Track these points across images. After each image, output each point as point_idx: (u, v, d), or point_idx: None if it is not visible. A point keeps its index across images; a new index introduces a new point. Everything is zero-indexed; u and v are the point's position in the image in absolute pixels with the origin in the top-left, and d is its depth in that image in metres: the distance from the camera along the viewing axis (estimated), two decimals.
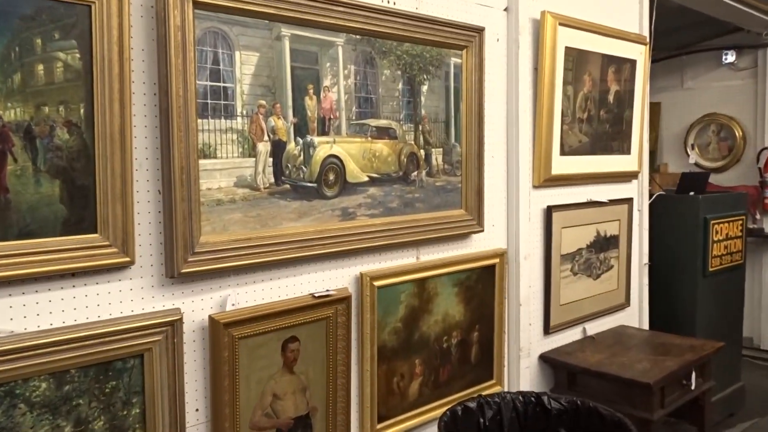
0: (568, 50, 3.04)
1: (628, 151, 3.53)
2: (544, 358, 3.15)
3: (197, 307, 1.94)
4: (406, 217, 2.47)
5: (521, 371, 3.00)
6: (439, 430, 2.26)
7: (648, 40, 3.59)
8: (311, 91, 2.13)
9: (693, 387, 3.09)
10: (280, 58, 2.03)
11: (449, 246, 2.69)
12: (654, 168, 6.16)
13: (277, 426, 2.12)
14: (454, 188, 2.65)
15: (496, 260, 2.86)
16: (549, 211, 3.11)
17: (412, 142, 2.48)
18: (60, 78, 1.62)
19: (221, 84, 1.91)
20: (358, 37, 2.24)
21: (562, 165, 3.12)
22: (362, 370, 2.38)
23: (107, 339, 1.72)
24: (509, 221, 2.97)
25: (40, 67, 1.59)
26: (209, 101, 1.88)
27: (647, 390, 2.80)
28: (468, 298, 2.75)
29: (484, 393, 2.68)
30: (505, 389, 2.96)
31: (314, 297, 2.17)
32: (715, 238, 3.96)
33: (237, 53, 1.94)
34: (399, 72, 2.40)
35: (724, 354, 3.47)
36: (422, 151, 2.52)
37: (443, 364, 2.68)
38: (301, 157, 2.13)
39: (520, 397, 2.49)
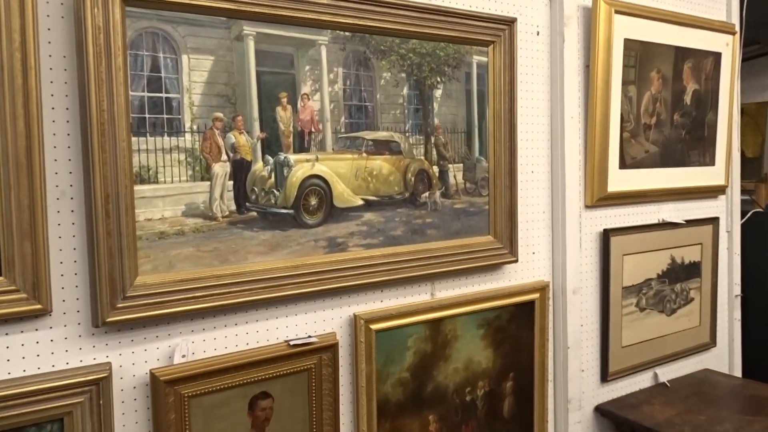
0: (628, 43, 2.52)
1: (711, 162, 2.94)
2: (601, 411, 2.63)
3: (138, 359, 1.63)
4: (415, 247, 2.06)
5: (570, 427, 2.51)
6: None
7: (737, 28, 2.98)
8: (284, 100, 1.78)
9: None
10: (242, 62, 1.70)
11: (474, 279, 2.26)
12: (761, 177, 5.37)
13: None
14: (479, 211, 2.22)
15: (536, 295, 2.39)
16: (606, 236, 2.59)
17: (422, 158, 2.08)
18: None
19: (163, 95, 1.60)
20: (347, 34, 1.87)
21: (623, 180, 2.59)
22: (358, 431, 1.99)
23: (14, 402, 1.44)
24: (554, 248, 2.49)
25: None
26: (147, 116, 1.58)
27: None
28: (498, 341, 2.30)
29: None
30: None
31: (290, 345, 1.81)
32: None
33: (184, 57, 1.62)
34: (403, 75, 2.00)
35: None
36: (435, 168, 2.11)
37: (466, 420, 2.25)
38: (272, 179, 1.78)
39: None
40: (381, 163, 1.99)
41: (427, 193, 2.09)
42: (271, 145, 1.77)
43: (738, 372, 3.20)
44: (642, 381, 2.81)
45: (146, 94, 1.57)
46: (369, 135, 1.95)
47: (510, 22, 2.21)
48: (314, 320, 1.91)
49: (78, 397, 1.51)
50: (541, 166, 2.43)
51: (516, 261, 2.31)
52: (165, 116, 1.60)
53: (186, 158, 1.64)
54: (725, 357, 3.17)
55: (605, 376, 2.65)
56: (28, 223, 1.44)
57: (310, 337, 1.84)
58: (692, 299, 2.96)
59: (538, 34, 2.39)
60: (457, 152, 2.16)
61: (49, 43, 1.48)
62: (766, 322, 3.29)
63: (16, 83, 1.40)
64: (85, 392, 1.51)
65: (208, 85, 1.66)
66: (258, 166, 1.75)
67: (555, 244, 2.49)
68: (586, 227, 2.55)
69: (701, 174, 2.91)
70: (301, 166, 1.82)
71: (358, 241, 1.95)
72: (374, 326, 1.98)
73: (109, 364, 1.57)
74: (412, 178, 2.06)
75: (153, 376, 1.61)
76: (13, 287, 1.44)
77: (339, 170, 1.90)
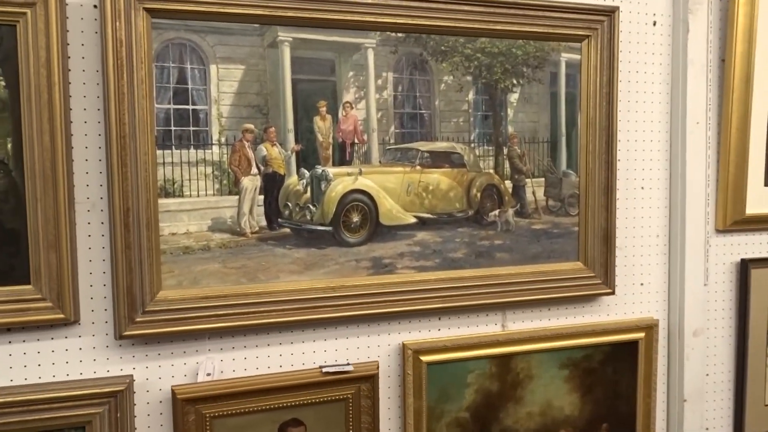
0: None
1: None
2: None
3: (164, 374, 1.62)
4: (481, 271, 1.83)
5: None
6: None
7: None
8: (323, 109, 1.66)
9: None
10: (276, 70, 1.61)
11: (557, 311, 1.96)
12: None
13: None
14: (564, 232, 1.91)
15: (640, 335, 2.01)
16: (744, 268, 2.11)
17: (491, 171, 1.83)
18: None
19: (189, 107, 1.56)
20: (400, 35, 1.70)
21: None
22: None
23: (37, 407, 1.49)
24: (670, 280, 2.08)
25: None
26: (173, 128, 1.55)
27: None
28: (587, 386, 1.97)
29: None
30: None
31: (323, 372, 1.69)
32: None
33: (213, 67, 1.57)
34: (468, 78, 1.78)
35: None
36: (508, 183, 1.85)
37: None
38: (308, 194, 1.67)
39: None
40: (439, 177, 1.79)
41: (496, 212, 1.84)
42: (307, 157, 1.66)
43: None
44: None
45: (172, 106, 1.55)
46: (424, 146, 1.76)
47: (609, 12, 1.87)
48: (356, 346, 1.76)
49: (97, 407, 1.52)
50: (654, 181, 2.04)
51: (612, 292, 1.96)
52: (191, 128, 1.56)
53: (213, 171, 1.59)
54: None
55: None
56: (53, 234, 1.47)
57: (346, 365, 1.70)
58: None
59: (654, 24, 2.00)
60: (536, 165, 1.88)
61: (83, 58, 1.51)
62: None
63: (42, 99, 1.44)
64: (103, 403, 1.53)
65: (238, 95, 1.59)
66: (292, 180, 1.65)
67: (672, 274, 2.07)
68: (717, 256, 2.10)
69: None
70: (341, 180, 1.69)
71: (409, 262, 1.76)
72: (425, 358, 1.78)
73: (129, 377, 1.56)
74: (478, 194, 1.82)
75: (174, 393, 1.58)
76: (38, 296, 1.48)
77: (387, 185, 1.73)
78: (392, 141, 1.73)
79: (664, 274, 2.08)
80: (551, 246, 1.90)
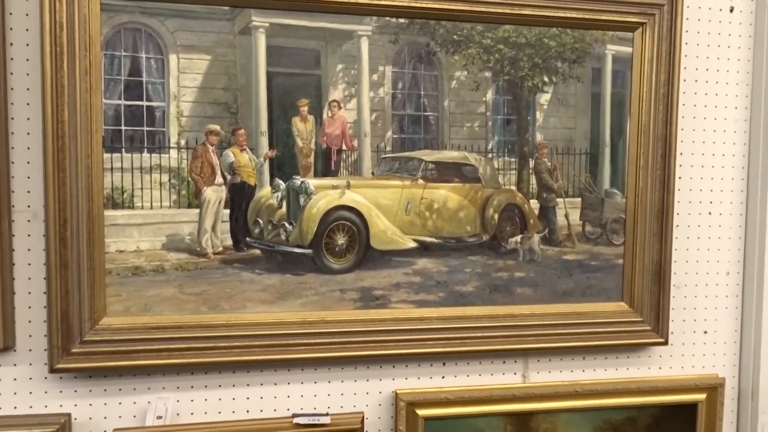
0: None
1: None
2: None
3: (110, 414, 1.39)
4: (497, 310, 1.51)
5: None
6: None
7: None
8: (304, 108, 1.39)
9: None
10: (248, 62, 1.35)
11: (593, 362, 1.60)
12: None
13: None
14: (606, 265, 1.56)
15: (701, 396, 1.62)
16: None
17: (512, 188, 1.51)
18: None
19: (144, 103, 1.33)
20: (401, 21, 1.41)
21: None
22: None
23: None
24: (743, 329, 1.68)
25: None
26: (123, 128, 1.32)
27: None
28: None
29: None
30: None
31: (295, 424, 1.41)
32: None
33: (173, 58, 1.33)
34: (487, 73, 1.47)
35: None
36: (534, 203, 1.52)
37: None
38: (283, 209, 1.40)
39: None
40: (446, 194, 1.48)
41: (518, 237, 1.51)
42: (283, 166, 1.39)
43: None
44: None
45: (123, 102, 1.32)
46: (429, 155, 1.46)
47: None
48: (339, 392, 1.48)
49: None
50: (725, 204, 1.65)
51: (664, 342, 1.58)
52: (146, 129, 1.33)
53: (170, 180, 1.35)
54: None
55: None
56: None
57: (324, 415, 1.42)
58: None
59: (731, 10, 1.62)
60: (571, 182, 1.54)
61: (27, 45, 1.30)
62: None
63: None
64: None
65: (201, 90, 1.35)
66: (264, 192, 1.39)
67: (745, 322, 1.67)
68: None
69: None
70: (325, 194, 1.41)
71: (406, 295, 1.46)
72: (422, 411, 1.47)
73: (67, 415, 1.34)
74: (495, 215, 1.50)
75: None
76: None
77: (381, 201, 1.44)
78: (389, 148, 1.44)
79: (735, 321, 1.68)
80: (588, 282, 1.55)
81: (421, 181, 1.46)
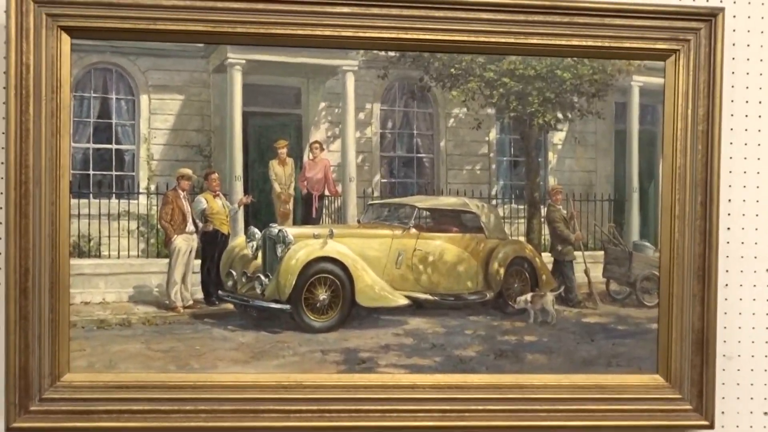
0: None
1: None
2: None
3: None
4: (504, 379, 1.32)
5: None
6: None
7: None
8: (283, 151, 1.28)
9: None
10: (223, 102, 1.27)
11: None
12: None
13: None
14: (636, 331, 1.35)
15: None
16: None
17: (521, 239, 1.33)
18: None
19: (113, 146, 1.26)
20: (391, 54, 1.28)
21: None
22: None
23: None
24: None
25: None
26: (92, 172, 1.26)
27: None
28: None
29: None
30: None
31: None
32: None
33: (143, 98, 1.27)
34: (490, 110, 1.31)
35: None
36: (546, 256, 1.33)
37: None
38: (259, 260, 1.29)
39: None
40: (443, 245, 1.32)
41: (528, 296, 1.33)
42: (259, 213, 1.29)
43: None
44: None
45: (92, 145, 1.26)
46: (423, 202, 1.32)
47: (709, 16, 1.31)
48: None
49: None
50: None
51: (710, 426, 1.33)
52: (114, 173, 1.26)
53: (138, 227, 1.27)
54: None
55: None
56: None
57: None
58: None
59: None
60: (592, 232, 1.33)
61: (3, 89, 1.27)
62: None
63: None
64: None
65: (173, 132, 1.27)
66: (238, 242, 1.29)
67: None
68: None
69: None
70: (305, 244, 1.29)
71: (397, 359, 1.31)
72: None
73: None
74: (501, 270, 1.33)
75: None
76: None
77: (368, 252, 1.31)
78: (377, 194, 1.31)
79: None
80: (614, 349, 1.34)
81: (413, 231, 1.32)
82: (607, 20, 1.31)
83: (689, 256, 1.34)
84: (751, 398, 1.40)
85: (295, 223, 1.29)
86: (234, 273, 1.29)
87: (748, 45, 1.39)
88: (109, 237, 1.27)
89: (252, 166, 1.28)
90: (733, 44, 1.36)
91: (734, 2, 1.37)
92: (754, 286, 1.40)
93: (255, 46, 1.26)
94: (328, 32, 1.26)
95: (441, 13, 1.27)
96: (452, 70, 1.30)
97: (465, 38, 1.29)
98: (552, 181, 1.33)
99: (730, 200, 1.37)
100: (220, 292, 1.29)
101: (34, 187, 1.22)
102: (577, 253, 1.34)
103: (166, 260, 1.27)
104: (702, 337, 1.34)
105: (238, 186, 1.28)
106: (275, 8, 1.23)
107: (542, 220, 1.33)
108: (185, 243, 1.28)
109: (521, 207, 1.33)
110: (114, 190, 1.27)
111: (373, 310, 1.31)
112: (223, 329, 1.28)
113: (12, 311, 1.23)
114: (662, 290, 1.35)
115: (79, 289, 1.26)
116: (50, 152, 1.23)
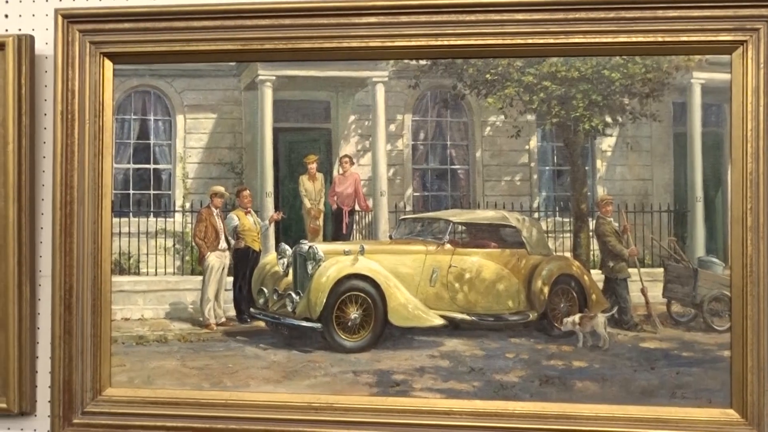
0: None
1: None
2: None
3: None
4: (550, 407, 1.21)
5: None
6: None
7: None
8: (312, 166, 1.26)
9: None
10: (254, 118, 1.27)
11: None
12: None
13: None
14: (704, 358, 1.20)
15: None
16: None
17: (567, 255, 1.22)
18: None
19: (151, 166, 1.29)
20: (422, 62, 1.23)
21: None
22: None
23: None
24: None
25: None
26: (131, 192, 1.30)
27: None
28: None
29: None
30: None
31: None
32: None
33: (179, 118, 1.29)
34: (530, 116, 1.22)
35: None
36: (596, 273, 1.21)
37: None
38: (290, 277, 1.26)
39: None
40: (480, 261, 1.24)
41: (576, 317, 1.22)
42: (289, 229, 1.27)
43: None
44: None
45: (132, 165, 1.29)
46: (458, 216, 1.24)
47: None
48: None
49: None
50: None
51: None
52: (152, 192, 1.29)
53: (174, 245, 1.28)
54: None
55: None
56: (2, 311, 1.30)
57: None
58: None
59: None
60: (649, 247, 1.20)
61: (45, 115, 1.34)
62: None
63: None
64: None
65: (207, 151, 1.28)
66: (269, 259, 1.28)
67: None
68: None
69: None
70: (336, 261, 1.25)
71: (432, 382, 1.23)
72: None
73: None
74: (545, 289, 1.22)
75: None
76: None
77: (400, 269, 1.25)
78: (409, 208, 1.25)
79: None
80: (678, 379, 1.19)
81: (448, 246, 1.25)
82: (659, 12, 1.18)
83: (765, 273, 1.17)
84: None
85: (325, 239, 1.26)
86: (265, 290, 1.27)
87: None
88: (147, 254, 1.29)
89: (282, 182, 1.27)
90: None
91: None
92: None
93: (285, 62, 1.26)
94: (355, 44, 1.23)
95: (473, 17, 1.20)
96: (487, 76, 1.23)
97: (500, 42, 1.21)
98: (601, 192, 1.21)
99: None
100: (252, 309, 1.28)
101: (78, 207, 1.28)
102: (632, 271, 1.21)
103: (200, 277, 1.28)
104: None
105: (269, 202, 1.27)
106: (302, 23, 1.22)
107: (591, 234, 1.21)
108: (218, 260, 1.28)
109: (566, 220, 1.22)
110: (152, 209, 1.29)
111: (406, 330, 1.24)
112: (255, 347, 1.27)
113: (57, 327, 1.28)
114: (735, 312, 1.19)
115: (120, 305, 1.30)
116: (93, 173, 1.28)
